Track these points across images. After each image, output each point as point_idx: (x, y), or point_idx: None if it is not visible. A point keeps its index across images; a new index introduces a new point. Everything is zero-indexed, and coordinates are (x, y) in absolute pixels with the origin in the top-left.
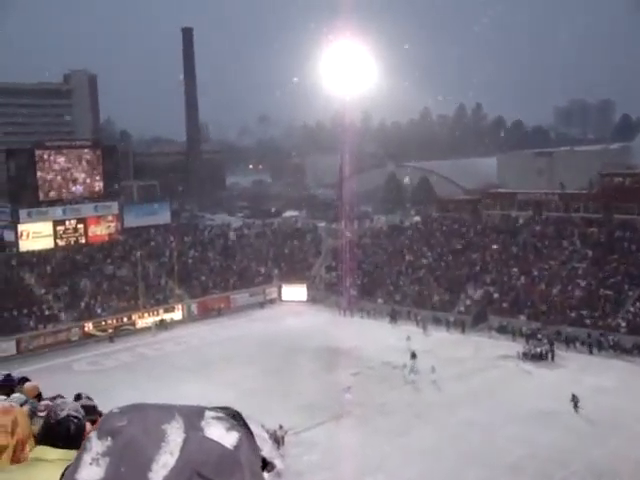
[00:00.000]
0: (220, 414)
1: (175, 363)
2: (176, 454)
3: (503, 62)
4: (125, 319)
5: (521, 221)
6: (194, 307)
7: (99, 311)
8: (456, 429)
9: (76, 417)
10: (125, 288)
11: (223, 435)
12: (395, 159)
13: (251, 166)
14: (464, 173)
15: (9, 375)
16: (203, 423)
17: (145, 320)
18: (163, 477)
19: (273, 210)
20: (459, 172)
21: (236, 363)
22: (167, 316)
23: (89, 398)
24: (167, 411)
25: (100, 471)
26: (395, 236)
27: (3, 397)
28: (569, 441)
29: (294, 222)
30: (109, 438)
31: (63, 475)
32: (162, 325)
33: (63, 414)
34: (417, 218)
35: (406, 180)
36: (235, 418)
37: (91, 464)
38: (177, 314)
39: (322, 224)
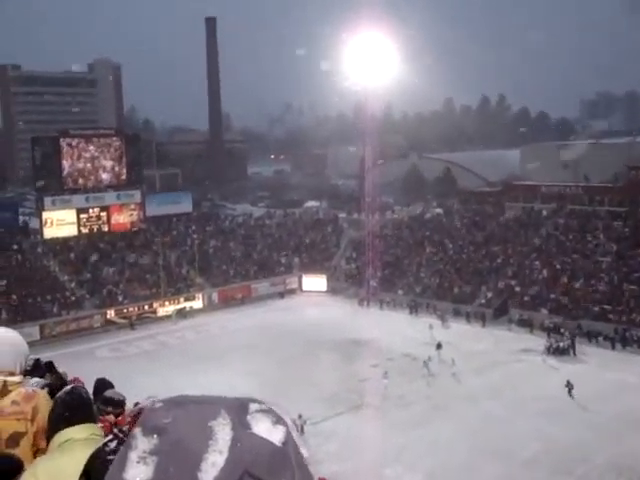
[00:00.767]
0: (264, 406)
1: (196, 351)
2: (225, 453)
3: (528, 53)
4: (146, 307)
5: (544, 214)
6: (215, 296)
7: (121, 298)
8: (475, 422)
9: (80, 385)
10: (147, 276)
11: (271, 430)
12: (417, 150)
13: (273, 156)
14: (487, 165)
15: (38, 360)
16: (249, 418)
17: (166, 308)
18: (213, 477)
19: (294, 200)
20: (482, 164)
21: (256, 352)
22: (188, 304)
23: (112, 386)
24: (212, 406)
25: (148, 470)
26: (416, 228)
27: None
28: (589, 437)
29: (315, 212)
30: (155, 436)
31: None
32: (181, 313)
33: (66, 388)
34: (439, 210)
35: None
36: None
37: (138, 463)
38: (198, 303)
39: (343, 215)
